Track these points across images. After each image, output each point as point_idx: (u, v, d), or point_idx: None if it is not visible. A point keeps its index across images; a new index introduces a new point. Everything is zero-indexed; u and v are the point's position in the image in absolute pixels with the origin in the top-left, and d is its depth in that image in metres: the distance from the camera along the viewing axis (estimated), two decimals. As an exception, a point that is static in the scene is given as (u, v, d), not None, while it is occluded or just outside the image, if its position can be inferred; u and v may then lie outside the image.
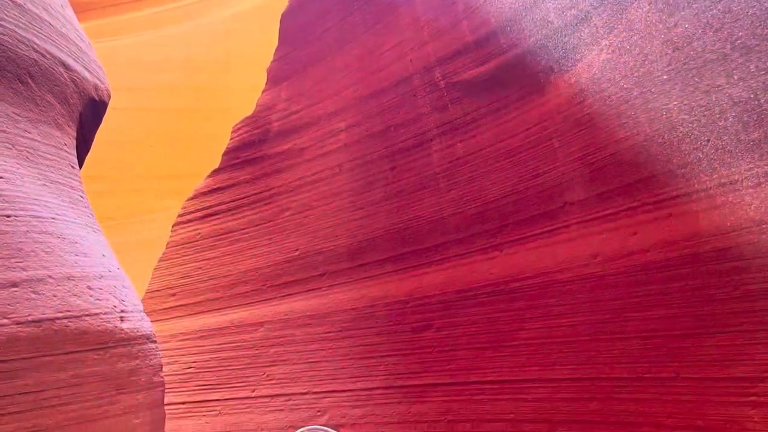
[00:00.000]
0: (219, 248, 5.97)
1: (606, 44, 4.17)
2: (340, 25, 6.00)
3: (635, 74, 3.99)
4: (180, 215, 6.33)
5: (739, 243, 3.50)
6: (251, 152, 6.13)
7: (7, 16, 3.31)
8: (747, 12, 3.54)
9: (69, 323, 2.98)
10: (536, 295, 4.32)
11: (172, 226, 6.33)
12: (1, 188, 3.00)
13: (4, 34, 3.26)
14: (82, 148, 4.19)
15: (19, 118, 3.35)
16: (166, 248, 6.28)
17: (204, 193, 6.21)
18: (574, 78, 4.33)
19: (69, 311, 3.02)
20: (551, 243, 4.31)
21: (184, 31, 10.86)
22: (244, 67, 10.05)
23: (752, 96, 3.48)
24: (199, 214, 6.19)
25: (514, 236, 4.50)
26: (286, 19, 6.54)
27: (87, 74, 3.94)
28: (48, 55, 3.55)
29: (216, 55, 10.58)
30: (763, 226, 3.42)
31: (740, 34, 3.56)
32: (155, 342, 3.61)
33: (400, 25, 5.51)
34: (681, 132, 3.79)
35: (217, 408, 5.59)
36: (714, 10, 3.66)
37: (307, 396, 5.27)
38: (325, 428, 2.16)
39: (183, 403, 5.65)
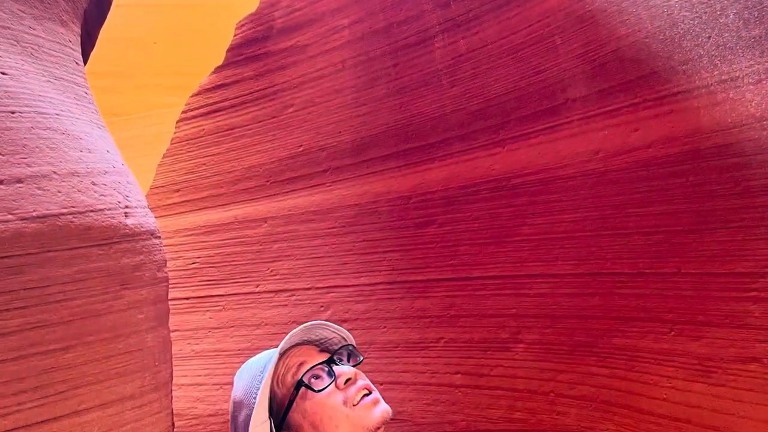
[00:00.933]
0: (223, 144, 5.95)
1: (609, -61, 4.11)
2: None
3: (638, -30, 3.95)
4: (184, 112, 6.31)
5: (740, 139, 3.49)
6: (255, 49, 6.08)
7: None
8: None
9: (74, 219, 2.99)
10: (538, 191, 4.32)
11: (176, 123, 6.31)
12: (5, 84, 2.99)
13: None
14: (87, 44, 4.16)
15: (24, 15, 3.33)
16: (171, 144, 6.27)
17: (208, 90, 6.18)
18: (576, -26, 4.29)
19: (73, 207, 3.02)
20: (553, 139, 4.30)
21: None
22: (248, -37, 9.93)
23: (754, -8, 3.46)
24: (203, 110, 6.17)
25: (516, 132, 4.49)
26: None
27: (90, -31, 3.90)
28: (50, -50, 3.52)
29: (220, -49, 10.45)
30: (764, 122, 3.41)
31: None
32: (159, 238, 3.62)
33: None
34: (682, 29, 3.76)
35: (221, 303, 5.64)
36: None
37: (310, 291, 5.31)
38: (329, 323, 2.19)
39: (187, 298, 5.70)
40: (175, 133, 6.30)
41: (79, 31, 3.83)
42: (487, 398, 4.51)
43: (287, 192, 5.52)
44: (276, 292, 5.44)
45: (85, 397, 3.00)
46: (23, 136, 2.94)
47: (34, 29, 3.34)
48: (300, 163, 5.50)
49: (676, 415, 3.63)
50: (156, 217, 3.77)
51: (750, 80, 3.46)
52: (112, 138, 3.71)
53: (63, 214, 2.94)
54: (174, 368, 3.78)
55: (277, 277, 5.46)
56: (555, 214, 4.23)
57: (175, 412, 3.81)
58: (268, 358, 2.16)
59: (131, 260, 3.29)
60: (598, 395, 4.02)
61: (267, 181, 5.62)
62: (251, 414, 2.08)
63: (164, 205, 5.96)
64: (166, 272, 3.62)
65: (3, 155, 2.82)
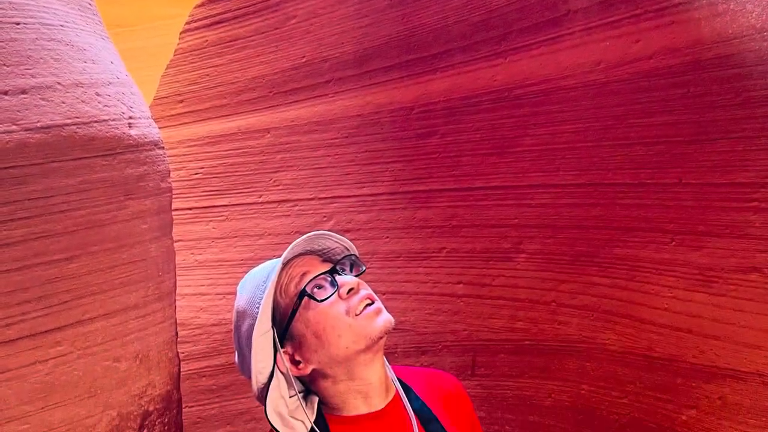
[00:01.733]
0: (226, 56, 5.92)
1: None
2: None
3: None
4: (187, 23, 6.26)
5: (741, 50, 3.47)
6: (257, -41, 6.03)
7: None
8: None
9: (78, 129, 3.00)
10: (540, 102, 4.31)
11: (180, 34, 6.26)
12: (10, -4, 2.98)
13: None
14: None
15: (26, -75, 3.30)
16: (174, 55, 6.23)
17: (211, 1, 6.13)
18: None
19: (78, 117, 3.02)
20: (555, 50, 4.27)
21: None
22: None
23: None
24: (206, 21, 6.12)
25: (518, 44, 4.46)
26: None
27: None
28: None
29: None
30: (765, 33, 3.38)
31: None
32: (163, 148, 3.63)
33: None
34: (685, -63, 3.73)
35: (225, 213, 5.66)
36: None
37: (313, 202, 5.33)
38: (331, 233, 2.21)
39: (190, 208, 5.72)
40: (178, 44, 6.26)
41: (82, -60, 3.80)
42: (489, 308, 4.55)
43: (290, 103, 5.51)
44: (279, 202, 5.46)
45: (89, 307, 3.03)
46: (27, 48, 2.93)
47: (35, -61, 3.32)
48: (303, 74, 5.48)
49: (677, 324, 3.66)
50: (159, 128, 3.77)
51: (751, -9, 3.44)
52: (116, 49, 3.70)
53: (67, 124, 2.95)
54: (177, 278, 3.80)
55: (280, 187, 5.47)
56: (556, 124, 4.22)
57: (178, 321, 3.84)
58: (271, 268, 2.19)
59: (135, 171, 3.31)
60: (599, 305, 4.06)
61: (270, 92, 5.60)
62: (254, 324, 2.12)
63: (168, 116, 5.95)
64: (169, 183, 3.63)
65: (7, 66, 2.82)
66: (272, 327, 2.14)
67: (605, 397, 4.01)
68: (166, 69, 6.26)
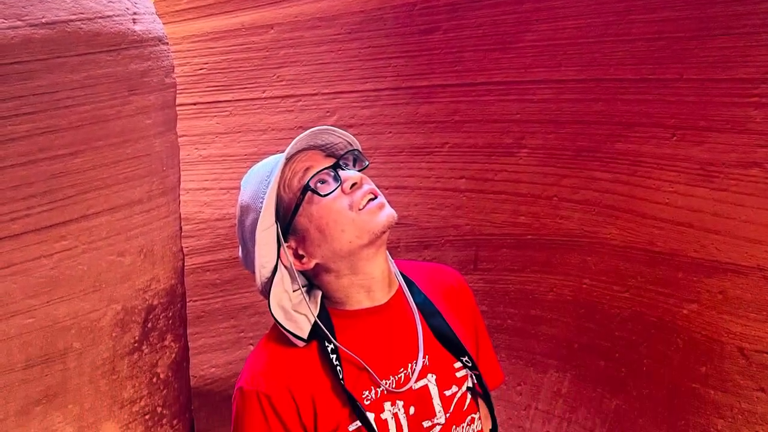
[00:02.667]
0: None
1: None
2: None
3: None
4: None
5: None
6: None
7: None
8: None
9: (82, 25, 3.00)
10: (542, -3, 4.29)
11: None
12: None
13: None
14: None
15: None
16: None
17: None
18: None
19: (82, 13, 3.02)
20: (557, -55, 4.24)
21: None
22: None
23: None
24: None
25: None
26: None
27: None
28: None
29: None
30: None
31: None
32: (167, 44, 3.63)
33: None
34: None
35: (228, 109, 5.66)
36: None
37: (316, 97, 5.33)
38: (334, 128, 2.21)
39: (194, 103, 5.72)
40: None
41: None
42: (492, 203, 4.58)
43: (293, -2, 5.47)
44: (282, 97, 5.45)
45: (93, 202, 3.07)
46: (33, -57, 2.92)
47: None
48: (305, -30, 5.43)
49: (678, 219, 3.69)
50: (164, 24, 3.76)
51: None
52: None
53: (72, 20, 2.95)
54: (181, 173, 3.83)
55: (283, 82, 5.46)
56: (559, 20, 4.19)
57: (182, 216, 3.88)
58: (274, 163, 2.20)
59: (139, 66, 3.31)
60: (601, 200, 4.08)
61: (273, -13, 5.56)
62: (258, 218, 2.13)
63: (172, 12, 5.90)
64: (173, 78, 3.64)
65: (12, -38, 2.81)
66: (276, 221, 2.16)
67: (607, 292, 4.06)
68: (169, -37, 6.21)
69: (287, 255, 2.19)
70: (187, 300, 4.04)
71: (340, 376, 2.13)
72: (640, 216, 3.88)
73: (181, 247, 3.75)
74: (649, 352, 3.85)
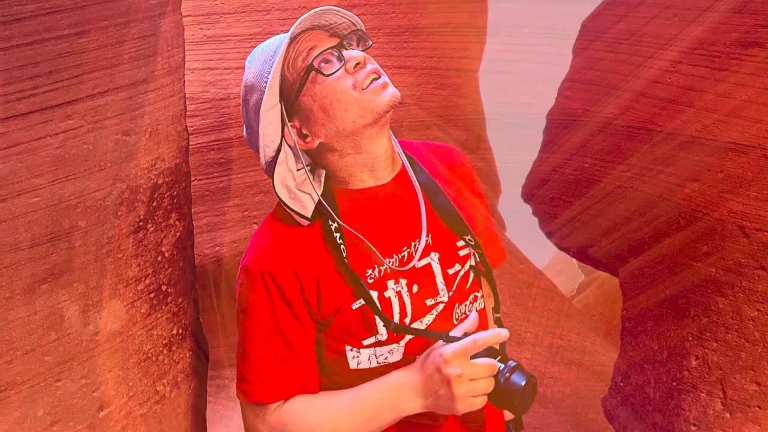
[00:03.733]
0: None
1: None
2: None
3: None
4: None
5: None
6: None
7: None
8: None
9: None
10: None
11: None
12: None
13: None
14: None
15: None
16: None
17: None
18: None
19: None
20: None
21: None
22: None
23: None
24: None
25: None
26: None
27: None
28: None
29: None
30: None
31: None
32: None
33: None
34: None
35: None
36: None
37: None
38: (338, 8, 2.20)
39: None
40: None
41: None
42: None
43: None
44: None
45: (98, 82, 3.07)
46: None
47: None
48: None
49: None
50: None
51: None
52: None
53: None
54: (186, 53, 3.83)
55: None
56: None
57: (187, 95, 3.88)
58: (278, 42, 2.20)
59: None
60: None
61: None
62: (262, 98, 2.15)
63: None
64: None
65: None
66: (280, 101, 2.17)
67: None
68: None
69: (291, 134, 2.20)
70: (192, 179, 4.07)
71: (344, 255, 2.17)
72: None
73: (186, 127, 3.76)
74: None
